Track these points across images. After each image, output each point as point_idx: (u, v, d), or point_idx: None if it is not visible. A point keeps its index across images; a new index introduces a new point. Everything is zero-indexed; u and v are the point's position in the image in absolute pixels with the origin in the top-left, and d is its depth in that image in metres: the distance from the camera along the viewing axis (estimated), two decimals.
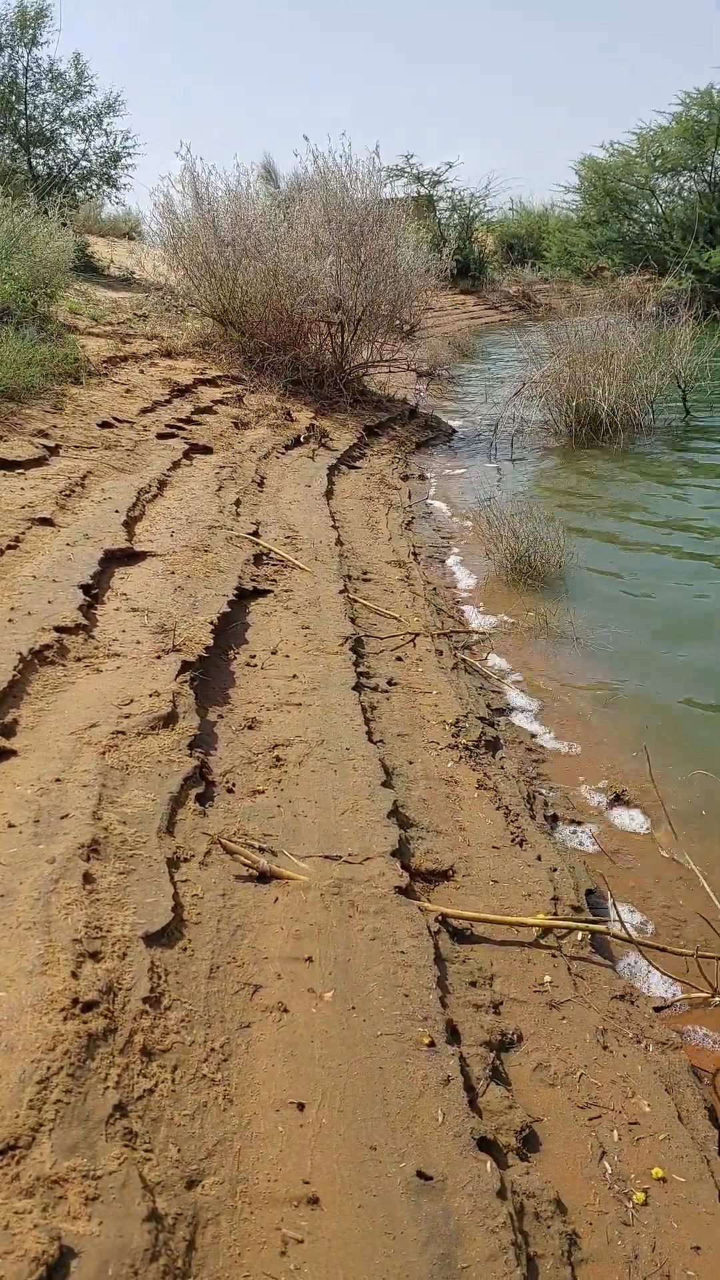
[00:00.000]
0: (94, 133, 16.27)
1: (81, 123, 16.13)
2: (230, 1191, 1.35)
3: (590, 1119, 1.65)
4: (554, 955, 2.07)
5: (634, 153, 22.42)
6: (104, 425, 5.76)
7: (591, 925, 2.16)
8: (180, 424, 6.44)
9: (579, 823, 2.77)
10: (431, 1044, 1.67)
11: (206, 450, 6.13)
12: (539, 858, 2.43)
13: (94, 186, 16.69)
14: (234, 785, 2.47)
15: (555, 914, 2.20)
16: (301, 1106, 1.51)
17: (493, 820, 2.59)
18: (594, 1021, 1.88)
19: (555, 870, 2.38)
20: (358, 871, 2.14)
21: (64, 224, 8.85)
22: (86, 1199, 1.22)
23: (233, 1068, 1.56)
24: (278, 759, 2.64)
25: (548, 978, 2.00)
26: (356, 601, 4.18)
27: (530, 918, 2.14)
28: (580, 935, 2.15)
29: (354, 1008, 1.73)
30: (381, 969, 1.84)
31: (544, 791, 2.93)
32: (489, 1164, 1.46)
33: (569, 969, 2.04)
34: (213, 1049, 1.58)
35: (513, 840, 2.50)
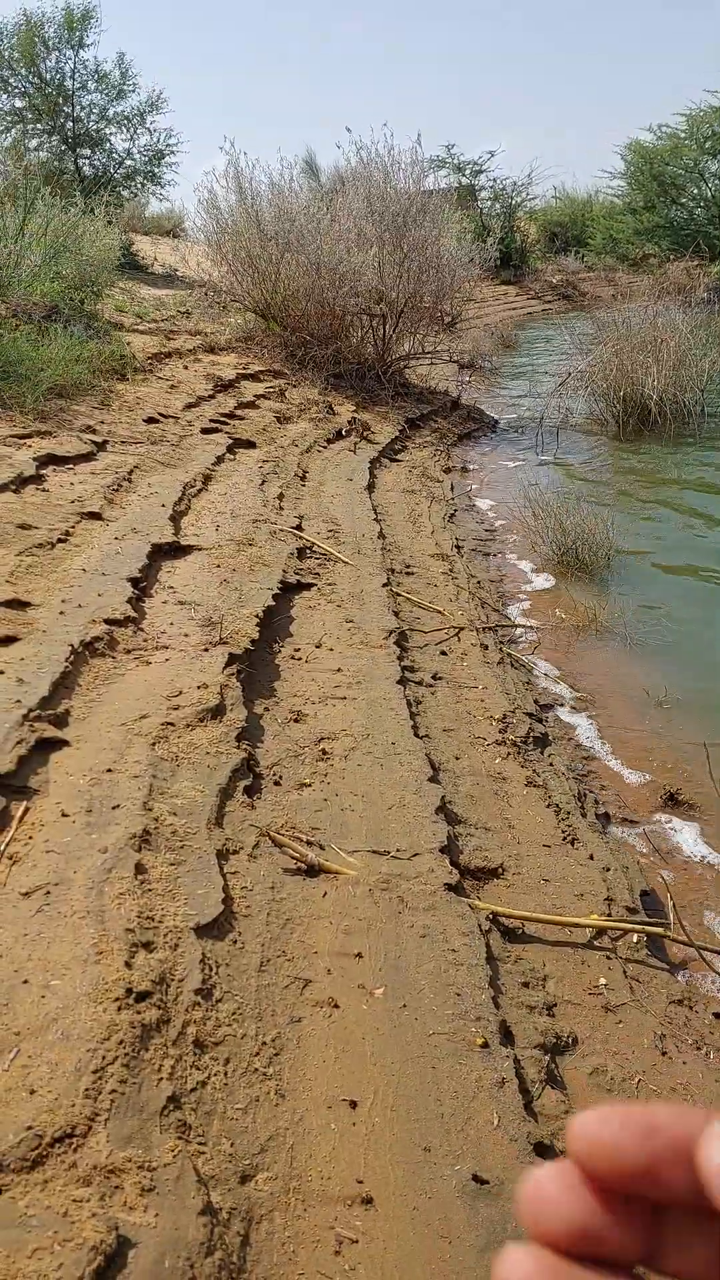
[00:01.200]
0: (138, 131, 16.42)
1: (126, 122, 16.29)
2: (284, 1188, 1.34)
3: None
4: (608, 957, 2.03)
5: (683, 135, 21.92)
6: (149, 421, 5.80)
7: (648, 927, 2.11)
8: (224, 419, 6.46)
9: (632, 822, 2.71)
10: (485, 1045, 1.64)
11: (250, 445, 6.14)
12: (591, 857, 2.38)
13: (138, 185, 16.84)
14: (281, 778, 2.47)
15: (609, 915, 2.15)
16: (354, 1104, 1.50)
17: (543, 818, 2.54)
18: (652, 1026, 1.84)
19: (608, 870, 2.33)
20: (406, 867, 2.12)
21: (109, 222, 8.93)
22: (143, 1190, 1.22)
23: (284, 1062, 1.55)
24: (324, 752, 2.62)
25: (602, 980, 1.96)
26: (400, 595, 4.15)
27: (584, 918, 2.10)
28: (636, 937, 2.10)
29: (405, 1005, 1.71)
30: (432, 967, 1.81)
31: (594, 789, 2.88)
32: None
33: (624, 971, 1.99)
34: (264, 1043, 1.58)
35: (564, 839, 2.46)
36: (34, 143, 15.90)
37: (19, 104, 15.60)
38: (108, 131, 16.36)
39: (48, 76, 15.42)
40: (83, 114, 16.01)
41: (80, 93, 15.84)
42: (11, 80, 15.41)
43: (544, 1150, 1.50)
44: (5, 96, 15.46)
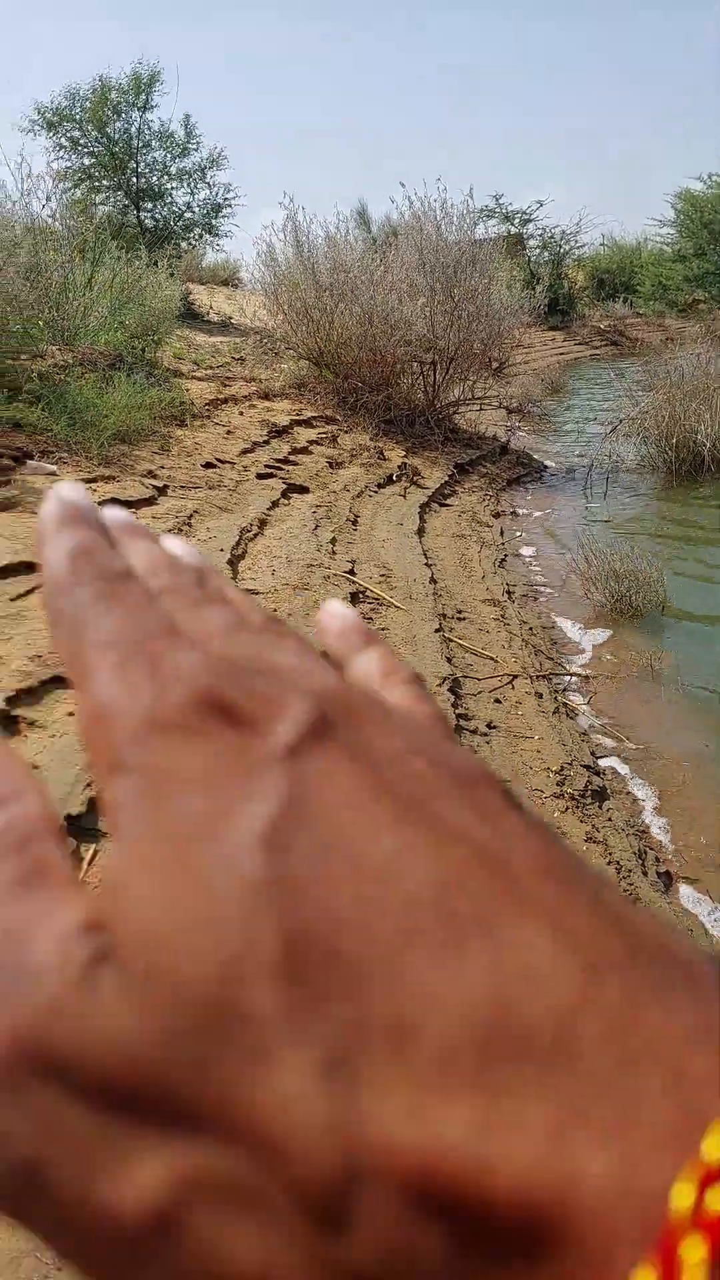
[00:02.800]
0: (198, 186, 17.09)
1: (187, 177, 16.98)
2: None
3: None
4: None
5: None
6: (207, 466, 5.96)
7: None
8: (278, 464, 6.61)
9: (694, 880, 2.67)
10: None
11: (303, 490, 6.27)
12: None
13: (196, 236, 17.47)
14: None
15: None
16: None
17: None
18: None
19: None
20: None
21: (171, 274, 9.28)
22: None
23: None
24: None
25: None
26: (452, 640, 4.18)
27: None
28: None
29: None
30: None
31: (654, 847, 2.85)
32: None
33: None
34: None
35: (627, 899, 2.43)
36: (99, 197, 16.65)
37: (87, 162, 16.38)
38: (169, 186, 17.08)
39: (115, 137, 16.19)
40: (146, 170, 16.75)
41: (144, 150, 16.60)
42: (81, 141, 16.21)
43: None
44: (75, 156, 16.25)
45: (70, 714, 2.58)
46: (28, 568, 3.67)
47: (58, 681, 2.77)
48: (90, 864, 2.01)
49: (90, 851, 2.05)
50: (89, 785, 2.24)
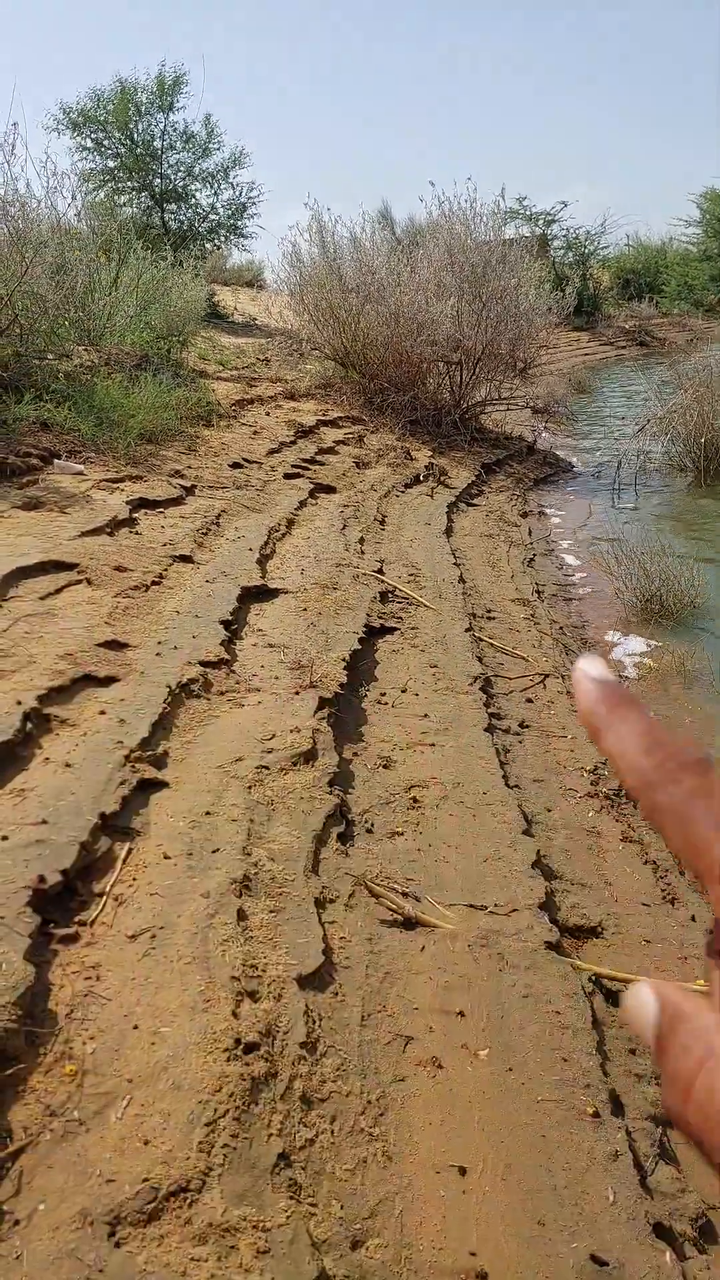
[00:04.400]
0: (221, 187, 17.11)
1: (210, 178, 17.01)
2: (395, 1256, 1.30)
3: None
4: None
5: None
6: (234, 466, 5.96)
7: None
8: (305, 464, 6.59)
9: None
10: (596, 1114, 1.58)
11: (330, 489, 6.24)
12: (693, 918, 2.30)
13: (221, 237, 17.50)
14: (373, 825, 2.45)
15: None
16: (463, 1171, 1.45)
17: (640, 875, 2.47)
18: None
19: (712, 933, 2.24)
20: (505, 924, 2.07)
21: (196, 275, 9.30)
22: (258, 1251, 1.20)
23: (389, 1123, 1.52)
24: (415, 800, 2.60)
25: None
26: (482, 640, 4.13)
27: (691, 984, 2.01)
28: None
29: (511, 1069, 1.66)
30: (536, 1029, 1.76)
31: None
32: (668, 1254, 1.36)
33: None
34: (369, 1102, 1.55)
35: (663, 898, 2.38)
36: (123, 199, 16.73)
37: (111, 164, 16.46)
38: (193, 188, 17.11)
39: (138, 139, 16.26)
40: (170, 172, 16.80)
41: (168, 152, 16.65)
42: (105, 143, 16.30)
43: (663, 1231, 1.43)
44: (99, 158, 16.34)
45: (102, 712, 2.57)
46: (56, 566, 3.67)
47: (89, 680, 2.76)
48: (124, 863, 1.99)
49: (124, 850, 2.03)
50: (122, 783, 2.23)
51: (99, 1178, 1.27)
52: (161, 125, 16.38)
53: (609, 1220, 1.40)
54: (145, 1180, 1.26)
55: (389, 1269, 1.29)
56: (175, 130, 16.61)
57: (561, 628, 4.69)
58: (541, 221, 25.29)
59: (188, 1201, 1.25)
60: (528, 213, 25.21)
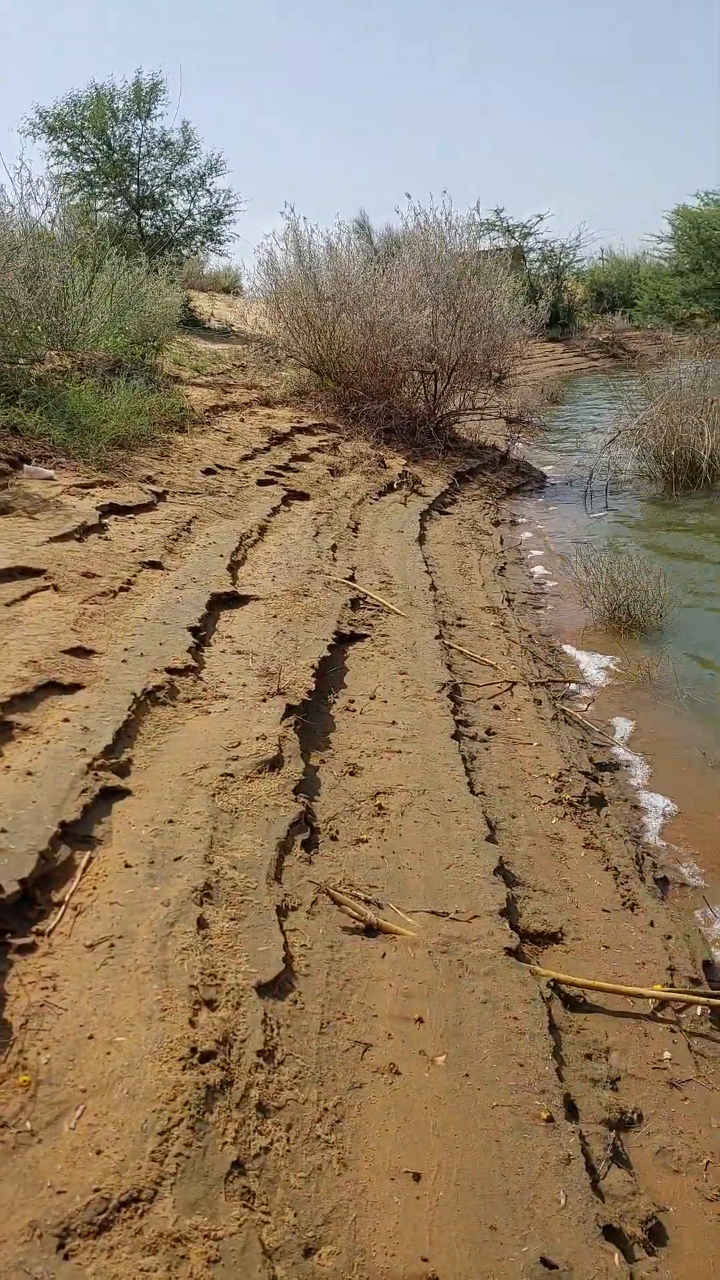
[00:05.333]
0: (198, 193, 17.10)
1: (187, 185, 16.99)
2: (347, 1264, 1.31)
3: None
4: (673, 1030, 1.97)
5: None
6: (207, 472, 5.95)
7: (714, 999, 2.05)
8: (279, 471, 6.60)
9: (690, 887, 2.65)
10: (550, 1119, 1.60)
11: (304, 496, 6.25)
12: (652, 924, 2.33)
13: (198, 243, 17.48)
14: (337, 833, 2.46)
15: (672, 985, 2.09)
16: (417, 1177, 1.46)
17: (601, 881, 2.50)
18: None
19: (670, 938, 2.27)
20: (465, 930, 2.09)
21: (172, 280, 9.29)
22: (209, 1260, 1.21)
23: (345, 1130, 1.53)
24: (380, 808, 2.62)
25: (667, 1054, 1.90)
26: (452, 648, 4.16)
27: (647, 989, 2.04)
28: (700, 1010, 2.04)
29: (468, 1075, 1.68)
30: (494, 1035, 1.78)
31: (652, 853, 2.82)
32: (616, 1256, 1.38)
33: (689, 1045, 1.93)
34: (325, 1109, 1.55)
35: (623, 904, 2.41)
36: (99, 204, 16.66)
37: (87, 169, 16.39)
38: (170, 194, 17.07)
39: (115, 144, 16.21)
40: (146, 178, 16.75)
41: (145, 159, 16.61)
42: (81, 148, 16.23)
43: (613, 1234, 1.44)
44: (75, 162, 16.26)
45: (65, 720, 2.56)
46: (23, 573, 3.65)
47: (53, 688, 2.75)
48: (84, 872, 1.99)
49: (85, 859, 2.02)
50: (84, 792, 2.22)
51: (49, 1189, 1.26)
52: (139, 131, 16.35)
53: (560, 1224, 1.42)
54: (96, 1190, 1.26)
55: (341, 1276, 1.29)
56: (152, 137, 16.58)
57: (530, 636, 4.73)
58: (518, 234, 25.55)
59: (139, 1211, 1.25)
60: (505, 224, 25.46)
